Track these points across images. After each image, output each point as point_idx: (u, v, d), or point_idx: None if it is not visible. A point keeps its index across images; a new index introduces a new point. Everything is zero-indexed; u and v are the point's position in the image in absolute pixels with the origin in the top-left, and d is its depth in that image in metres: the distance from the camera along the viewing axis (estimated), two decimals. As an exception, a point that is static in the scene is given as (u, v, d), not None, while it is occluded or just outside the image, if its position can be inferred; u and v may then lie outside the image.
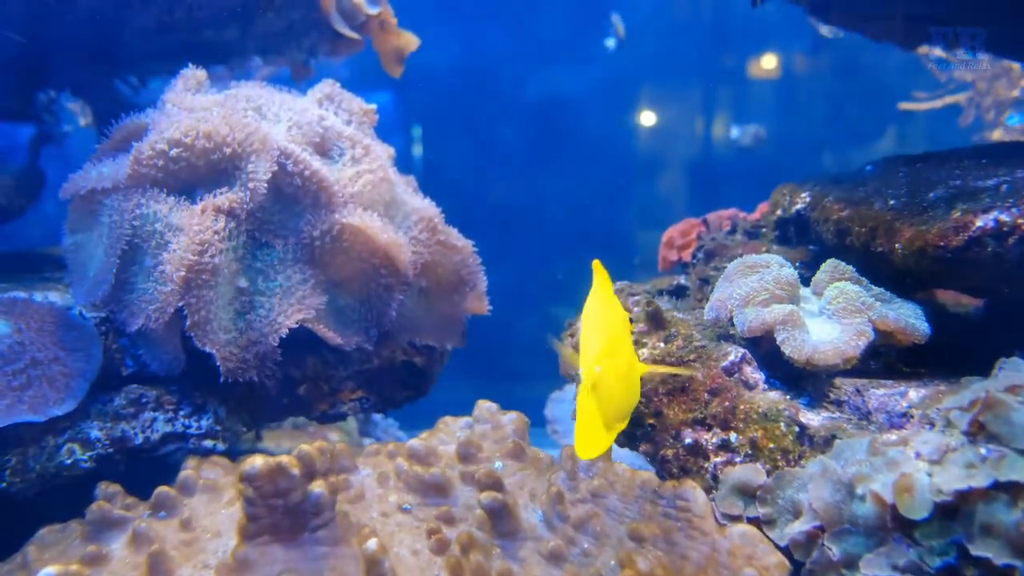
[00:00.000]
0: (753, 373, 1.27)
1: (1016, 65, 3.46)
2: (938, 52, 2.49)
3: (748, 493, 1.14)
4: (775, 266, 1.34)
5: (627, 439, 1.36)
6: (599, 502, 1.16)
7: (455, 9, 4.32)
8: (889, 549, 0.93)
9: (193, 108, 1.43)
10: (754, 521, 1.11)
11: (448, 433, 1.34)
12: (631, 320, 1.44)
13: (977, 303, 1.49)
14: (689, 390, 1.27)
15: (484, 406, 1.36)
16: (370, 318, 1.49)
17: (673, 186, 4.57)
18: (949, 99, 3.69)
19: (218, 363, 1.31)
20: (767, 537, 1.08)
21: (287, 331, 1.36)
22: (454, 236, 1.61)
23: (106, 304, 1.36)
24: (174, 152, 1.34)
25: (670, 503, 1.13)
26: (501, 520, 1.08)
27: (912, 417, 1.12)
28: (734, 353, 1.28)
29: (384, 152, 1.62)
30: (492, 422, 1.33)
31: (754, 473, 1.15)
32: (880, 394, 1.18)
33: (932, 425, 1.06)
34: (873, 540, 0.95)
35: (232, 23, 1.92)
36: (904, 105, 3.81)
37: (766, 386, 1.26)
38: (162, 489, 1.16)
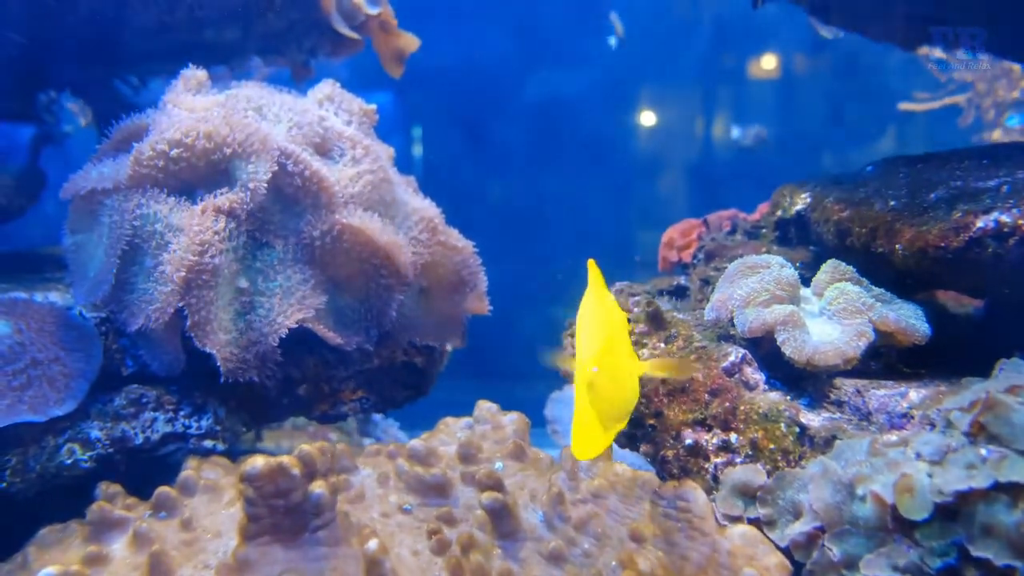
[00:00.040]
0: (753, 374, 1.27)
1: (1016, 66, 3.46)
2: (938, 52, 2.50)
3: (748, 494, 1.14)
4: (776, 267, 1.34)
5: (628, 440, 1.36)
6: (600, 503, 1.16)
7: (455, 9, 4.32)
8: (890, 550, 0.93)
9: (194, 108, 1.43)
10: (754, 522, 1.11)
11: (449, 434, 1.34)
12: (631, 320, 1.44)
13: (977, 304, 1.49)
14: (690, 391, 1.27)
15: (484, 407, 1.36)
16: (370, 318, 1.49)
17: (673, 186, 4.57)
18: (949, 100, 3.69)
19: (218, 363, 1.31)
20: (767, 538, 1.08)
21: (287, 331, 1.36)
22: (454, 236, 1.61)
23: (106, 304, 1.36)
24: (175, 152, 1.34)
25: (670, 504, 1.13)
26: (502, 520, 1.08)
27: (912, 418, 1.12)
28: (734, 354, 1.29)
29: (384, 152, 1.62)
30: (492, 423, 1.33)
31: (754, 474, 1.15)
32: (881, 395, 1.18)
33: (933, 426, 1.07)
34: (873, 541, 0.95)
35: (233, 23, 1.92)
36: (904, 105, 3.81)
37: (766, 387, 1.26)
38: (163, 489, 1.16)
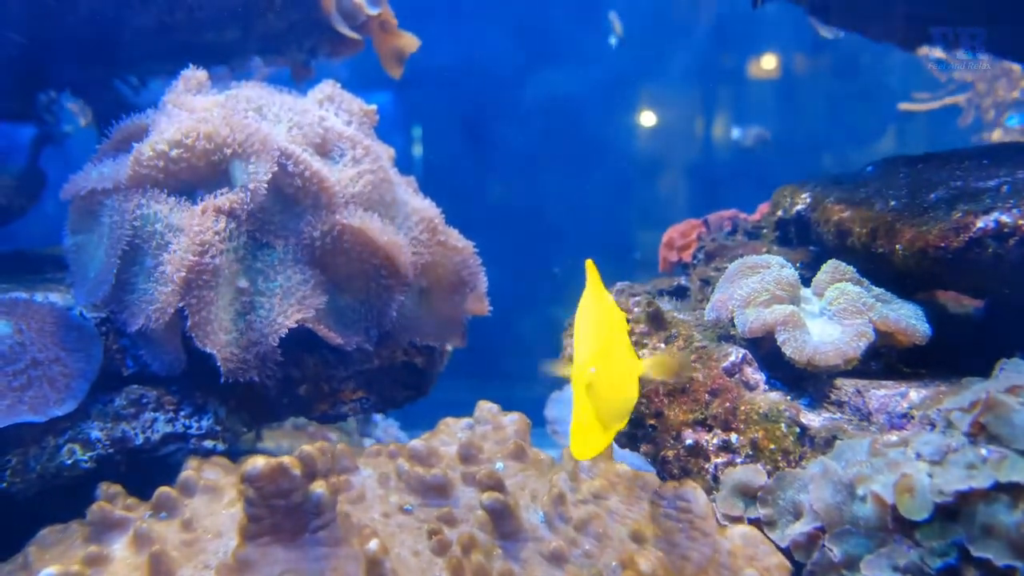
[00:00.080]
0: (754, 374, 1.27)
1: (1016, 66, 3.46)
2: (938, 52, 2.49)
3: (749, 494, 1.14)
4: (776, 267, 1.34)
5: (628, 440, 1.36)
6: (600, 503, 1.16)
7: (455, 9, 4.33)
8: (890, 550, 0.93)
9: (194, 109, 1.43)
10: (755, 522, 1.11)
11: (449, 434, 1.34)
12: (632, 321, 1.44)
13: (978, 304, 1.49)
14: (690, 391, 1.27)
15: (485, 407, 1.36)
16: (370, 318, 1.49)
17: (673, 186, 4.57)
18: (949, 100, 3.69)
19: (219, 363, 1.31)
20: (768, 538, 1.08)
21: (287, 331, 1.36)
22: (454, 237, 1.61)
23: (107, 304, 1.36)
24: (175, 153, 1.34)
25: (671, 504, 1.13)
26: (503, 521, 1.08)
27: (913, 418, 1.12)
28: (735, 354, 1.29)
29: (384, 153, 1.62)
30: (493, 423, 1.33)
31: (755, 474, 1.15)
32: (881, 395, 1.18)
33: (933, 426, 1.07)
34: (874, 541, 0.95)
35: (233, 24, 1.92)
36: (904, 106, 3.82)
37: (767, 387, 1.26)
38: (163, 490, 1.16)
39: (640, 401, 1.29)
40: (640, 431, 1.32)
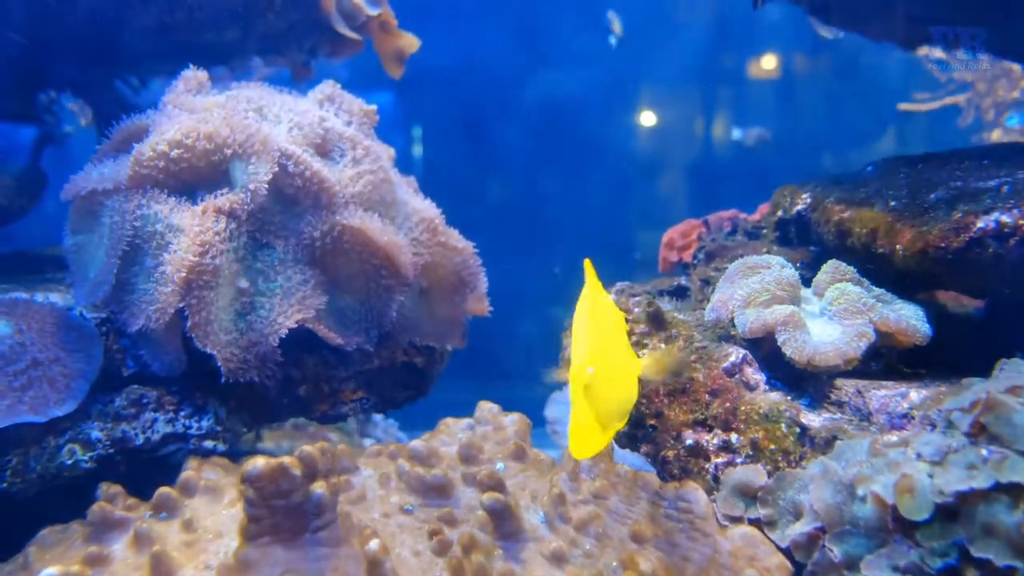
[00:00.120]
0: (754, 374, 1.27)
1: (1016, 66, 3.46)
2: (938, 52, 2.50)
3: (749, 494, 1.14)
4: (776, 267, 1.34)
5: (628, 440, 1.36)
6: (601, 503, 1.16)
7: (455, 9, 4.32)
8: (890, 550, 0.93)
9: (194, 109, 1.44)
10: (755, 522, 1.11)
11: (449, 434, 1.34)
12: (632, 321, 1.44)
13: (978, 304, 1.49)
14: (690, 391, 1.27)
15: (486, 407, 1.36)
16: (370, 319, 1.49)
17: (673, 186, 4.57)
18: (949, 100, 3.69)
19: (219, 364, 1.31)
20: (768, 538, 1.08)
21: (287, 331, 1.36)
22: (455, 237, 1.61)
23: (107, 305, 1.36)
24: (175, 153, 1.34)
25: (672, 504, 1.13)
26: (503, 521, 1.08)
27: (913, 418, 1.12)
28: (735, 354, 1.29)
29: (385, 153, 1.62)
30: (493, 423, 1.33)
31: (755, 474, 1.15)
32: (881, 395, 1.18)
33: (933, 426, 1.07)
34: (874, 541, 0.95)
35: (233, 24, 1.92)
36: (904, 106, 3.82)
37: (767, 387, 1.26)
38: (163, 490, 1.16)
39: (640, 401, 1.29)
40: (640, 431, 1.32)
